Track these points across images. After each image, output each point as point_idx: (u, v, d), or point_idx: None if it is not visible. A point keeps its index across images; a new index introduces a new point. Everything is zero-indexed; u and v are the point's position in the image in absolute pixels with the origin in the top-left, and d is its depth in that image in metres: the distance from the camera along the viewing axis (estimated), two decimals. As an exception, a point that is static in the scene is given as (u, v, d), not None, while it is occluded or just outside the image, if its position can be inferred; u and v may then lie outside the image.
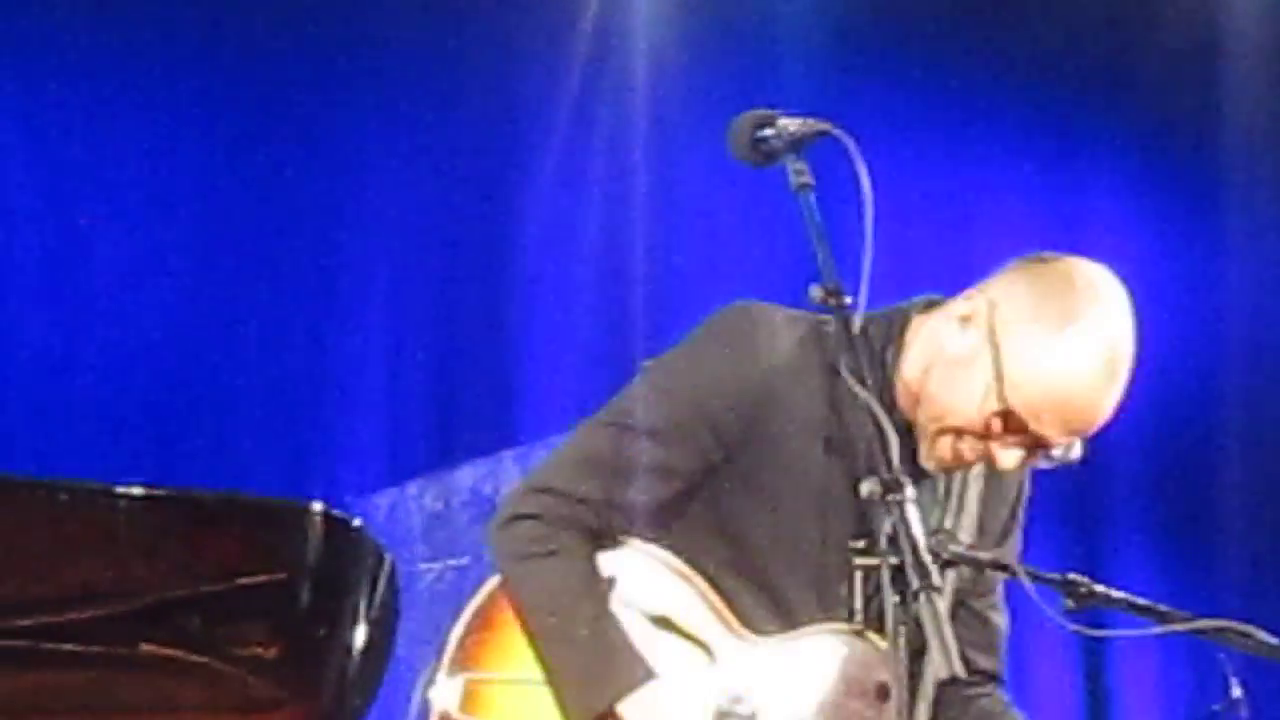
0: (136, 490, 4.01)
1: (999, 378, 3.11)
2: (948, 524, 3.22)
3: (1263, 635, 3.05)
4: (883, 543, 2.74)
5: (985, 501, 3.26)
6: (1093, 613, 3.23)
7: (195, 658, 3.94)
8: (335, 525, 4.24)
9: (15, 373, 6.12)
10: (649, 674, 3.13)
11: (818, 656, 3.18)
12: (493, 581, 3.28)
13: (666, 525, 3.26)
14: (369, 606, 4.22)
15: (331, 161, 6.51)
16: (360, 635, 4.19)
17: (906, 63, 7.08)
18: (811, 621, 3.20)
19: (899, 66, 7.07)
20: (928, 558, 2.67)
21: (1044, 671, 6.96)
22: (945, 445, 3.15)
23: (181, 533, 4.04)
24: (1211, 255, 7.47)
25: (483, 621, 3.28)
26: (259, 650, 4.08)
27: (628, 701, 3.11)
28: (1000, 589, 3.45)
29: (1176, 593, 6.57)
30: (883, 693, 3.12)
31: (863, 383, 2.88)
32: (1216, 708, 5.54)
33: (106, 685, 3.98)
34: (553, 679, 3.17)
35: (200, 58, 6.32)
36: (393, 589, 3.91)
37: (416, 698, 3.28)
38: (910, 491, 2.71)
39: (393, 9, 6.54)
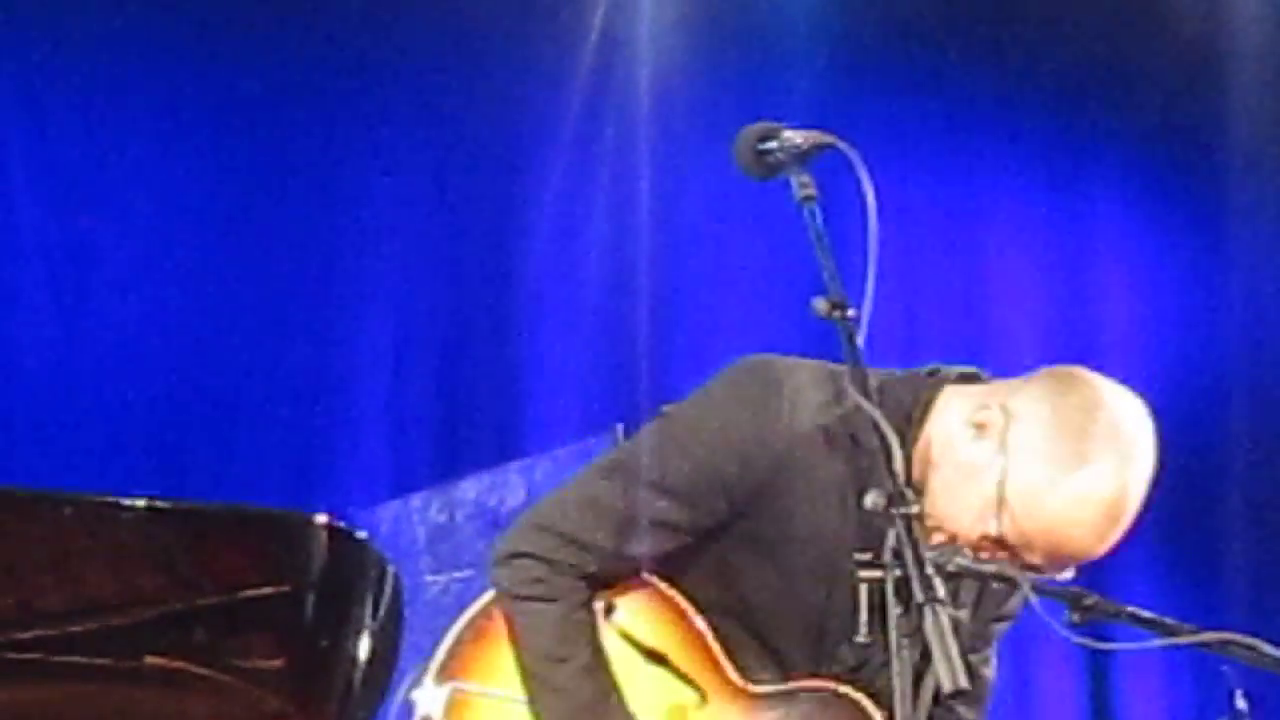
0: (140, 503, 4.01)
1: (999, 502, 3.07)
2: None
3: (1267, 648, 3.04)
4: (888, 556, 2.73)
5: None
6: (1097, 625, 3.22)
7: (200, 670, 3.94)
8: (339, 537, 4.24)
9: (19, 385, 6.12)
10: None
11: (809, 715, 3.16)
12: (489, 594, 3.27)
13: (669, 572, 3.25)
14: (373, 618, 4.21)
15: (336, 174, 6.51)
16: (364, 647, 4.19)
17: (911, 76, 7.08)
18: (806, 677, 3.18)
19: (904, 79, 7.07)
20: (932, 571, 2.66)
21: (1048, 684, 6.95)
22: (938, 539, 3.12)
23: (186, 545, 4.04)
24: (1216, 266, 7.47)
25: (476, 633, 3.27)
26: (264, 662, 4.08)
27: None
28: (996, 644, 3.44)
29: (1180, 605, 6.56)
30: None
31: (868, 397, 2.87)
32: (1221, 720, 5.52)
33: (111, 698, 3.97)
34: None
35: (205, 73, 6.32)
36: (397, 601, 3.91)
37: (399, 696, 3.27)
38: (915, 505, 2.71)
39: (398, 24, 6.54)
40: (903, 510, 2.71)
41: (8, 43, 6.16)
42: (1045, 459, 3.07)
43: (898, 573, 2.70)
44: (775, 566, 3.17)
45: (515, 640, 3.21)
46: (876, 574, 2.85)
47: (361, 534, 4.32)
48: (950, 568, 2.92)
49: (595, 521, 3.22)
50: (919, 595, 2.65)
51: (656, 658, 3.16)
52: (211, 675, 3.98)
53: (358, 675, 4.18)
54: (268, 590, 4.08)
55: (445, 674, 3.23)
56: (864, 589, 3.08)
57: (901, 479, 2.74)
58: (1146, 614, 3.15)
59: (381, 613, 4.17)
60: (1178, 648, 3.09)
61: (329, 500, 5.82)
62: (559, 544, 3.20)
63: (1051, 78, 7.28)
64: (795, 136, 3.06)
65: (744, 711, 3.16)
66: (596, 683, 3.14)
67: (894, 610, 2.74)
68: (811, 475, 3.16)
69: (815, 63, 6.88)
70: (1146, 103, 7.35)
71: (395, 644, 4.08)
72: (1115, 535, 3.10)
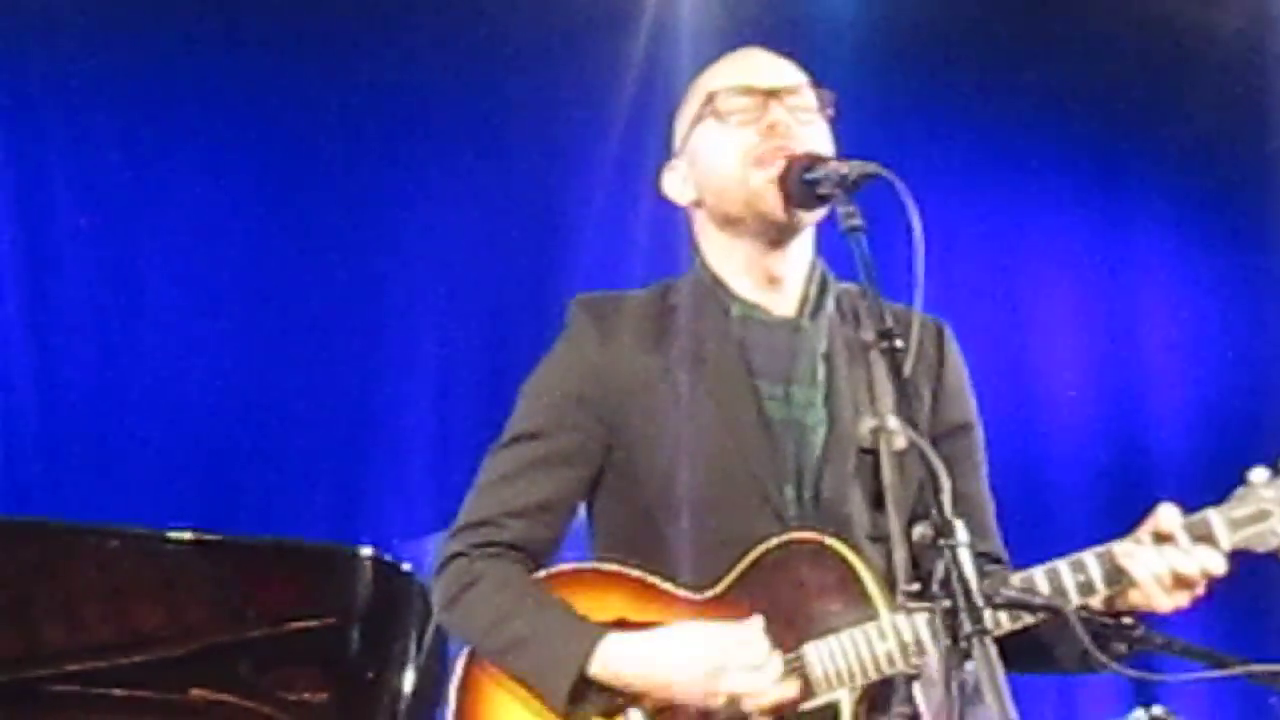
0: (187, 536, 4.03)
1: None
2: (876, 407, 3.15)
3: (1316, 679, 3.02)
4: (935, 586, 2.71)
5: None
6: (1144, 656, 3.20)
7: (246, 703, 3.95)
8: (384, 570, 4.26)
9: (68, 420, 6.14)
10: (602, 631, 3.11)
11: (768, 579, 3.13)
12: (461, 659, 3.25)
13: (597, 520, 3.28)
14: (418, 650, 4.22)
15: (379, 209, 6.53)
16: (409, 679, 4.20)
17: (955, 104, 7.08)
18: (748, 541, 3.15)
19: (948, 108, 7.06)
20: (981, 601, 2.65)
21: (1096, 716, 6.92)
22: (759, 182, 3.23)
23: (231, 578, 4.06)
24: (1258, 292, 7.44)
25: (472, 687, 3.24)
26: (309, 695, 4.09)
27: (593, 662, 3.09)
28: (978, 466, 3.35)
29: (1228, 637, 6.53)
30: (844, 585, 3.08)
31: (915, 426, 2.86)
32: (1270, 752, 5.50)
33: (157, 731, 3.99)
34: (525, 686, 3.16)
35: (251, 112, 6.35)
36: (441, 633, 3.91)
37: None
38: (963, 535, 2.69)
39: (440, 61, 6.56)
40: (950, 542, 2.70)
41: (59, 93, 6.20)
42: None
43: (946, 603, 2.68)
44: (666, 461, 3.19)
45: (467, 640, 3.22)
46: (925, 604, 2.82)
47: (406, 566, 4.34)
48: (997, 599, 2.91)
49: (492, 496, 3.30)
50: (967, 627, 2.63)
51: (618, 626, 3.14)
52: (256, 708, 3.99)
53: (402, 708, 4.19)
54: (313, 623, 4.09)
55: None
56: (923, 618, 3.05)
57: (949, 511, 2.73)
58: (1194, 645, 3.14)
59: (426, 645, 4.18)
60: (1226, 679, 3.08)
61: (374, 533, 5.82)
62: (470, 533, 3.28)
63: (1093, 105, 7.27)
64: (840, 166, 3.07)
65: (718, 613, 3.13)
66: (550, 615, 3.13)
67: (943, 640, 2.72)
68: (651, 370, 3.24)
69: (856, 93, 6.87)
70: (1188, 129, 7.33)
71: (440, 676, 4.08)
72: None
